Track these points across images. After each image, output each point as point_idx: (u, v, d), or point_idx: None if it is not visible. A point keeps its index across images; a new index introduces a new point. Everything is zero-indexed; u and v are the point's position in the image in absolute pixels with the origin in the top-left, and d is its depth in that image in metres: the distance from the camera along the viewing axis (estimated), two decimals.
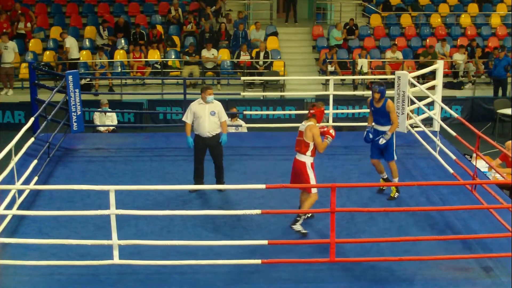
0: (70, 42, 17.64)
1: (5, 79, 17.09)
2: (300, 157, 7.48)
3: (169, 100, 16.14)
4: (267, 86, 17.86)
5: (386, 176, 8.58)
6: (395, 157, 8.57)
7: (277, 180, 8.78)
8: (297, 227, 7.36)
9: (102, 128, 12.88)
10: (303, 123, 7.55)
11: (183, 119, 8.64)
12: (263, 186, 6.97)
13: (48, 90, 11.06)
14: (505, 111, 15.29)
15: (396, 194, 8.42)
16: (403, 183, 8.74)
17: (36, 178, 8.58)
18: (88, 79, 17.45)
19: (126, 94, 16.48)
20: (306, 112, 7.66)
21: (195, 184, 8.62)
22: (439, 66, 11.05)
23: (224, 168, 8.78)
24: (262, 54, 18.12)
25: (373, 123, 8.51)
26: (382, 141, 8.41)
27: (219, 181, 8.69)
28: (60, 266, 6.62)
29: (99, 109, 13.01)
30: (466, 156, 10.38)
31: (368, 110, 8.67)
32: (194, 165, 8.73)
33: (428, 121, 11.95)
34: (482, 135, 8.02)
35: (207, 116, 8.45)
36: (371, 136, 8.46)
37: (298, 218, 7.39)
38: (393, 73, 12.81)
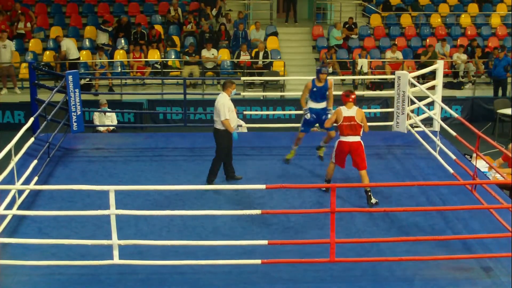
0: (67, 44, 17.61)
1: (5, 79, 17.08)
2: (355, 138, 8.25)
3: (169, 100, 16.14)
4: (267, 86, 17.86)
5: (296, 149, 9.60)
6: None
7: (277, 180, 8.78)
8: (373, 200, 8.15)
9: (102, 128, 12.87)
10: (344, 108, 8.28)
11: (226, 117, 8.65)
12: (263, 186, 6.98)
13: (48, 90, 11.06)
14: (505, 111, 15.28)
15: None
16: (403, 183, 8.76)
17: (36, 178, 8.59)
18: (88, 79, 17.45)
19: (126, 94, 16.47)
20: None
21: (210, 181, 8.86)
22: (439, 66, 11.05)
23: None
24: (261, 54, 18.12)
25: (309, 103, 9.43)
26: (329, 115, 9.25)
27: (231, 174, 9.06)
28: (60, 266, 6.62)
29: (99, 109, 13.00)
30: (466, 156, 10.38)
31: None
32: (218, 161, 8.87)
33: (428, 121, 11.94)
34: (482, 135, 8.02)
35: (234, 109, 8.94)
36: (314, 116, 9.39)
37: (369, 193, 8.18)
38: (393, 73, 12.81)
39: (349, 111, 8.25)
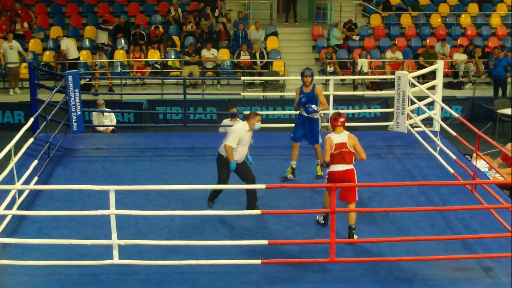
0: (66, 44, 17.62)
1: (13, 79, 17.12)
2: (348, 167, 7.35)
3: (169, 100, 16.14)
4: (267, 86, 17.86)
5: (295, 166, 9.00)
6: (320, 141, 8.82)
7: (277, 180, 8.78)
8: (355, 236, 7.26)
9: (101, 128, 12.87)
10: (333, 134, 7.42)
11: (231, 145, 7.74)
12: (263, 186, 6.98)
13: (48, 90, 11.06)
14: (505, 111, 15.28)
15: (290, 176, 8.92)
16: (403, 183, 8.75)
17: (36, 178, 8.58)
18: (88, 79, 17.45)
19: (126, 94, 16.47)
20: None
21: (210, 199, 8.04)
22: (439, 66, 11.05)
23: None
24: (258, 55, 18.11)
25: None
26: (315, 107, 8.77)
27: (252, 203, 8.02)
28: (60, 266, 6.62)
29: (97, 110, 13.00)
30: (466, 156, 10.38)
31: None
32: (250, 191, 7.94)
33: (428, 121, 11.94)
34: (482, 135, 8.02)
35: (248, 143, 8.01)
36: (313, 107, 8.82)
37: (353, 230, 7.28)
38: (393, 73, 12.80)
39: (339, 136, 7.38)
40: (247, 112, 11.92)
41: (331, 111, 11.52)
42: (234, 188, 8.15)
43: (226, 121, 11.73)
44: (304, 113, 9.00)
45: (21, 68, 17.13)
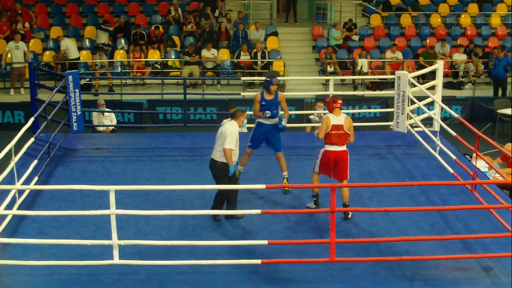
0: (66, 44, 17.62)
1: (16, 79, 17.11)
2: (342, 148, 7.77)
3: (169, 100, 16.15)
4: None
5: (242, 169, 8.62)
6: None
7: (277, 180, 8.77)
8: (350, 215, 7.80)
9: (101, 128, 12.88)
10: (332, 115, 7.74)
11: (232, 147, 7.59)
12: (263, 186, 6.98)
13: (48, 90, 11.06)
14: (505, 111, 15.29)
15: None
16: (403, 183, 8.75)
17: (36, 178, 8.58)
18: (88, 79, 17.45)
19: (126, 94, 16.48)
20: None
21: (217, 208, 7.76)
22: (439, 66, 11.05)
23: None
24: (259, 54, 18.12)
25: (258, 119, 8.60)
26: (284, 122, 8.48)
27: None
28: (60, 266, 6.62)
29: (97, 110, 13.01)
30: (466, 156, 10.38)
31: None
32: (222, 193, 7.72)
33: (428, 121, 11.95)
34: (482, 135, 8.02)
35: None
36: (283, 123, 8.49)
37: (348, 205, 7.81)
38: (393, 73, 12.81)
39: (338, 118, 7.72)
40: (247, 112, 12.04)
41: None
42: (234, 188, 8.16)
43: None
44: (266, 122, 8.57)
45: (26, 68, 17.14)
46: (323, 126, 7.73)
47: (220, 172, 7.68)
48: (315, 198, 8.05)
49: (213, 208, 7.71)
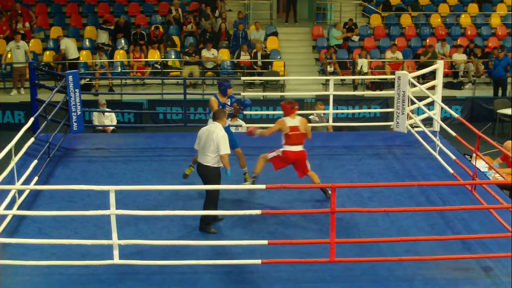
0: (66, 44, 17.63)
1: (17, 79, 17.10)
2: (300, 148, 8.25)
3: (169, 100, 16.16)
4: (267, 86, 17.87)
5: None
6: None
7: (277, 180, 8.76)
8: (329, 193, 8.09)
9: (101, 128, 12.88)
10: (288, 118, 8.24)
11: (227, 151, 7.49)
12: (263, 186, 6.97)
13: (48, 90, 11.06)
14: (505, 111, 15.29)
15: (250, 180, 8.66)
16: (403, 183, 8.75)
17: (36, 178, 8.58)
18: (88, 79, 17.45)
19: (126, 94, 16.49)
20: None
21: (208, 225, 7.58)
22: (439, 66, 11.05)
23: None
24: (259, 54, 18.12)
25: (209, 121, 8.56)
26: (249, 100, 9.03)
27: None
28: (60, 266, 6.62)
29: (98, 109, 13.01)
30: (466, 156, 10.38)
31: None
32: (215, 196, 7.57)
33: (428, 121, 11.95)
34: (482, 135, 8.02)
35: None
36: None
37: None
38: (393, 73, 12.81)
39: (293, 121, 8.22)
40: (247, 112, 12.04)
41: (331, 111, 11.57)
42: (234, 188, 8.17)
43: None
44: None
45: (27, 68, 17.13)
46: (275, 127, 8.28)
47: (213, 177, 7.51)
48: (254, 179, 8.46)
49: (201, 225, 7.51)
